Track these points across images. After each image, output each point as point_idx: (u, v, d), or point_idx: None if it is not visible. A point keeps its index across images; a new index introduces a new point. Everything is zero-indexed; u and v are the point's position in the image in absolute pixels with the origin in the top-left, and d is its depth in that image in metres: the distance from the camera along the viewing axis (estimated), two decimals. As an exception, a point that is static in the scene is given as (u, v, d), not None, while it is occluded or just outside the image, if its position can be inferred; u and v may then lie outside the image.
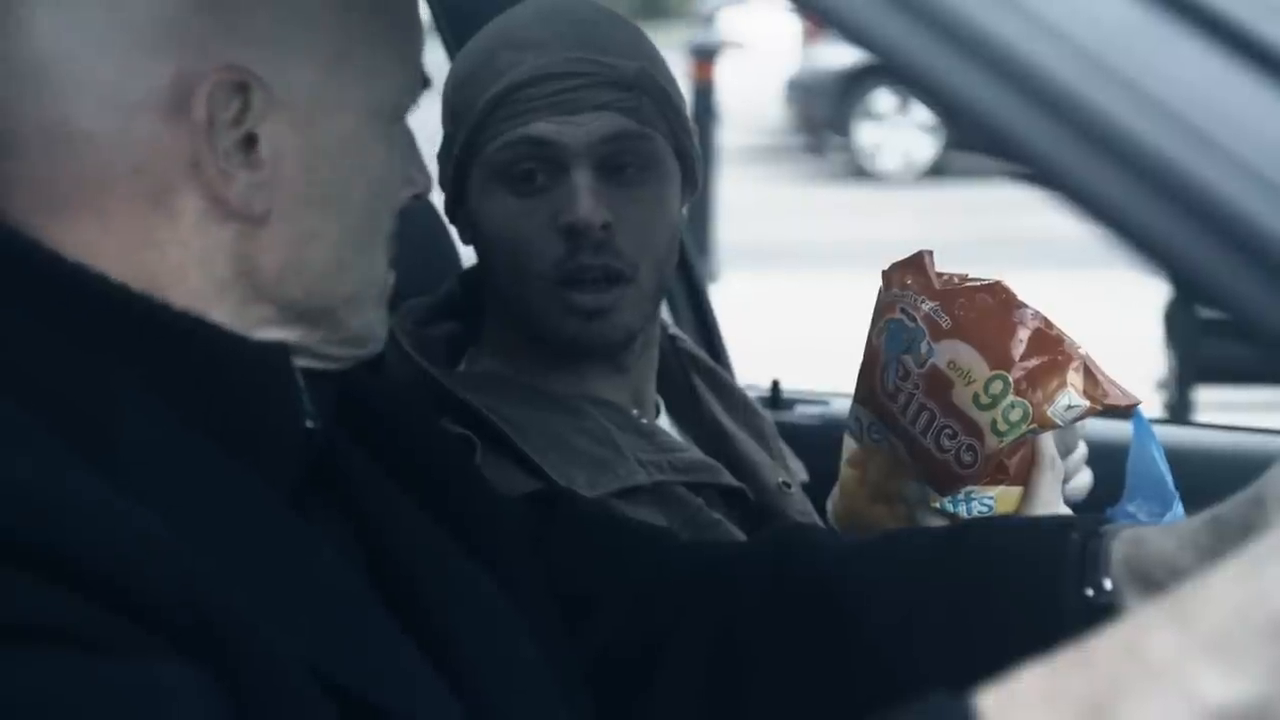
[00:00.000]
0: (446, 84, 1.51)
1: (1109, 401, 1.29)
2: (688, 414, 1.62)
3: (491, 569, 1.07)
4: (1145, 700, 0.64)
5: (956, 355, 1.29)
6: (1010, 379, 1.27)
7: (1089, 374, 1.29)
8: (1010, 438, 1.28)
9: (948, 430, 1.29)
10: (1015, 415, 1.27)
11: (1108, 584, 1.01)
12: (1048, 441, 1.34)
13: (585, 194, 1.42)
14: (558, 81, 1.43)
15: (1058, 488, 1.35)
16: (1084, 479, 1.47)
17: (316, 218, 0.96)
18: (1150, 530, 1.03)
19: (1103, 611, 1.00)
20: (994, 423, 1.27)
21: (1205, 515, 0.98)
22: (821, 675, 1.10)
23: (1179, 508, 1.38)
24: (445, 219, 1.64)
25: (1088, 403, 1.28)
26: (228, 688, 0.80)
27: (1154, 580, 0.99)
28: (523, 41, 1.45)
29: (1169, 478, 1.40)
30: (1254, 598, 0.65)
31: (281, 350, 0.96)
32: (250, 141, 0.92)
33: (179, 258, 0.93)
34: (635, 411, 1.54)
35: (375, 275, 1.01)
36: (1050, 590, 1.02)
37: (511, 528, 1.15)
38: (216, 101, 0.91)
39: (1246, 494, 0.95)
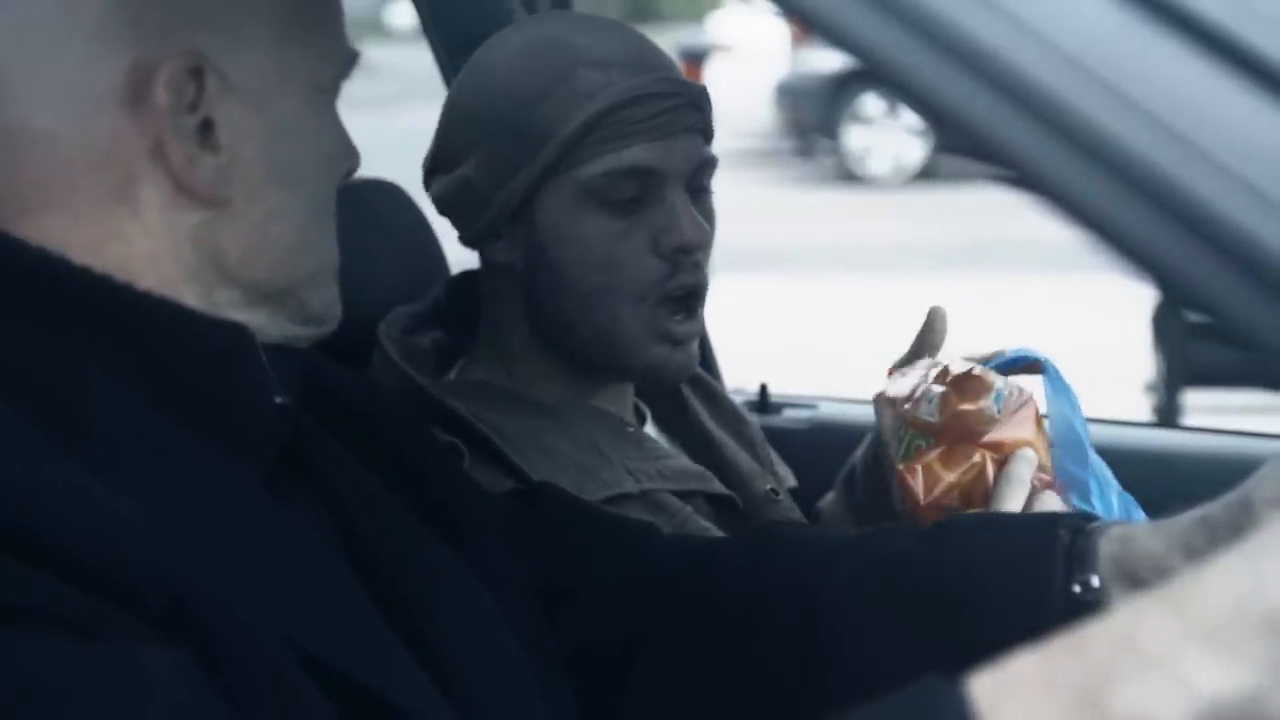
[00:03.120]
0: (493, 97, 1.46)
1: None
2: (675, 422, 1.63)
3: (470, 560, 1.07)
4: (1139, 688, 0.64)
5: None
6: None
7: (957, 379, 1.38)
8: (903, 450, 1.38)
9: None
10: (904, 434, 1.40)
11: (1095, 581, 1.01)
12: (1019, 464, 1.35)
13: (688, 214, 1.45)
14: (656, 103, 1.43)
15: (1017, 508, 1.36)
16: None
17: (278, 197, 0.97)
18: (1138, 529, 1.04)
19: (1090, 608, 1.00)
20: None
21: (1194, 515, 0.99)
22: (803, 671, 1.10)
23: (1098, 475, 1.39)
24: (431, 224, 1.63)
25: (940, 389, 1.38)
26: (209, 669, 0.81)
27: (1141, 579, 1.00)
28: (601, 60, 1.44)
29: (1086, 437, 1.41)
30: (1250, 591, 0.65)
31: (244, 327, 0.97)
32: (207, 126, 0.93)
33: (146, 248, 0.93)
34: (625, 419, 1.54)
35: (332, 251, 1.02)
36: (1037, 586, 1.03)
37: (491, 521, 1.15)
38: (174, 87, 0.91)
39: (1235, 495, 0.96)
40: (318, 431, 1.07)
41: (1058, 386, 1.44)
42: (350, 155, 1.04)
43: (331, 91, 1.01)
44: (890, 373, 1.51)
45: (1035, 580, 1.03)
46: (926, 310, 1.51)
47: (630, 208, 1.44)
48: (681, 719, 1.14)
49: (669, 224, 1.44)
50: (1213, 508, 0.98)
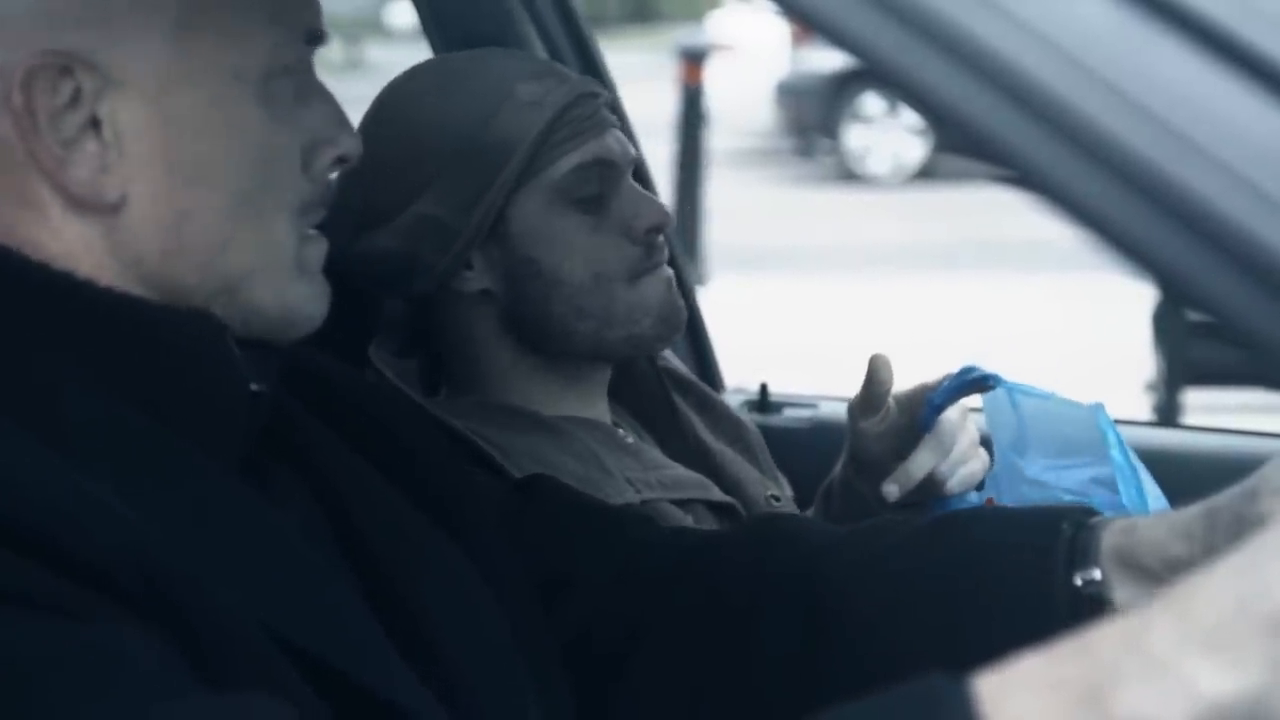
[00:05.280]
0: (437, 128, 1.48)
1: None
2: (671, 434, 1.63)
3: (464, 548, 1.07)
4: (1143, 690, 0.64)
5: None
6: None
7: None
8: None
9: None
10: None
11: (1096, 573, 1.01)
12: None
13: (647, 198, 1.52)
14: (591, 102, 1.51)
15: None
16: (974, 466, 1.50)
17: (185, 195, 0.93)
18: (1141, 519, 1.04)
19: (1092, 601, 1.01)
20: None
21: (1200, 506, 0.99)
22: (802, 663, 1.10)
23: (1119, 458, 1.39)
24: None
25: None
26: (184, 648, 0.81)
27: (1144, 567, 1.00)
28: (530, 73, 1.51)
29: (1087, 426, 1.41)
30: (1254, 594, 0.65)
31: (211, 316, 0.95)
32: (96, 125, 0.91)
33: (59, 250, 0.92)
34: (622, 431, 1.56)
35: (277, 248, 0.98)
36: (1039, 579, 1.02)
37: (487, 512, 1.15)
38: (39, 89, 0.90)
39: (1242, 486, 0.96)
40: (309, 419, 1.06)
41: (1014, 392, 1.44)
42: (329, 144, 0.99)
43: (263, 78, 0.95)
44: (849, 414, 1.52)
45: (1037, 573, 1.03)
46: (868, 361, 1.52)
47: (596, 202, 1.49)
48: (680, 710, 1.14)
49: (636, 209, 1.50)
50: (1219, 498, 0.98)
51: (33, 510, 0.80)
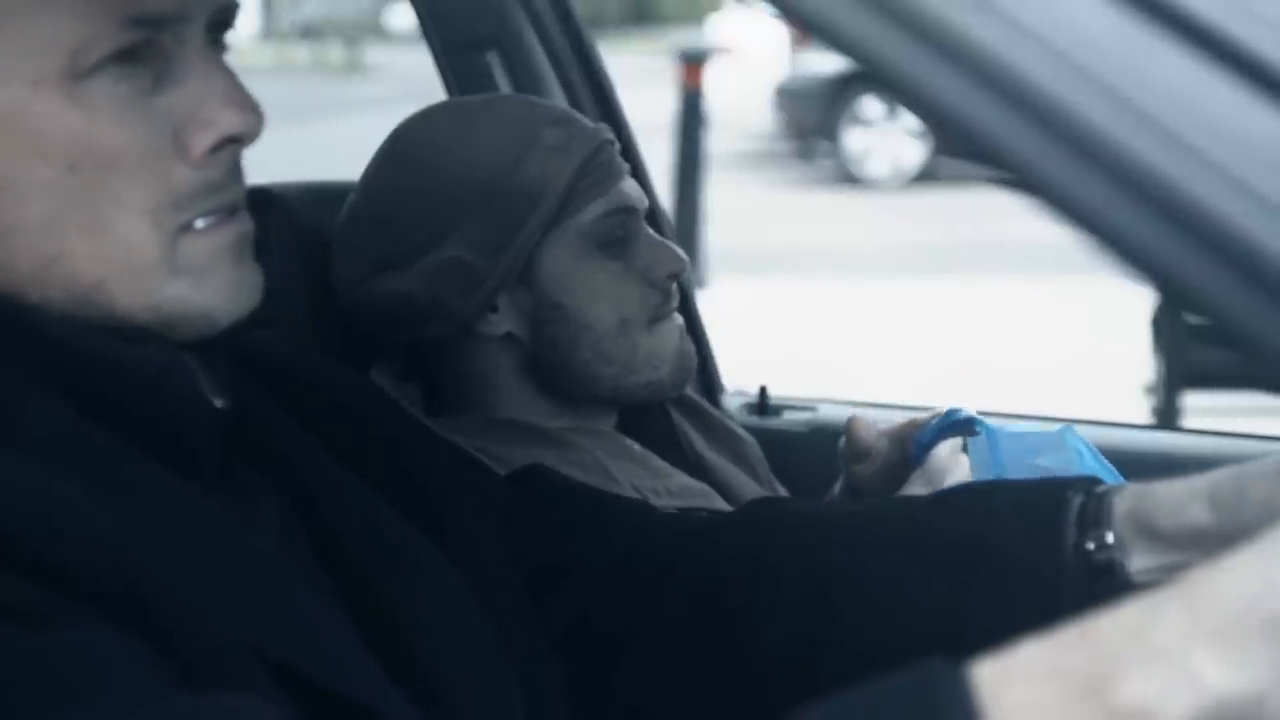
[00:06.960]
0: (463, 173, 1.49)
1: None
2: (669, 451, 1.64)
3: (451, 548, 1.06)
4: (1146, 680, 0.64)
5: None
6: None
7: None
8: None
9: None
10: None
11: (1109, 537, 1.00)
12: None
13: (665, 244, 1.55)
14: (611, 149, 1.54)
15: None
16: None
17: (1, 212, 0.90)
18: (1157, 484, 1.02)
19: (1104, 566, 1.00)
20: None
21: (1232, 471, 0.97)
22: (806, 644, 1.09)
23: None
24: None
25: None
26: (161, 651, 0.80)
27: (1160, 533, 0.99)
28: (554, 118, 1.53)
29: (1058, 450, 1.42)
30: (1261, 592, 0.65)
31: (167, 343, 0.93)
32: None
33: None
34: (629, 441, 1.57)
35: (129, 250, 0.92)
36: (1050, 546, 1.01)
37: (479, 508, 1.14)
38: None
39: (1273, 461, 0.95)
40: (288, 425, 1.05)
41: (993, 435, 1.45)
42: (205, 125, 0.93)
43: (70, 76, 0.89)
44: (840, 458, 1.52)
45: (1047, 540, 1.01)
46: (847, 423, 1.52)
47: (619, 246, 1.52)
48: (680, 697, 1.13)
49: (656, 255, 1.53)
50: (1250, 467, 0.96)
51: (4, 515, 0.79)
